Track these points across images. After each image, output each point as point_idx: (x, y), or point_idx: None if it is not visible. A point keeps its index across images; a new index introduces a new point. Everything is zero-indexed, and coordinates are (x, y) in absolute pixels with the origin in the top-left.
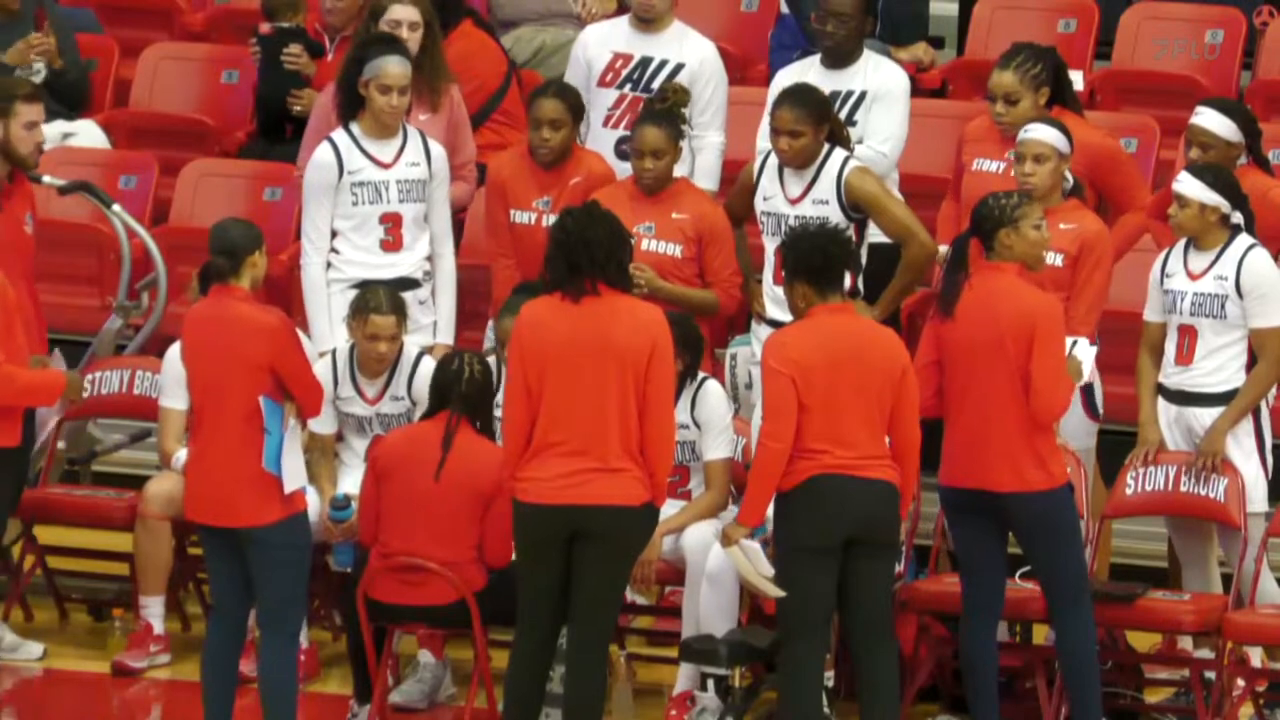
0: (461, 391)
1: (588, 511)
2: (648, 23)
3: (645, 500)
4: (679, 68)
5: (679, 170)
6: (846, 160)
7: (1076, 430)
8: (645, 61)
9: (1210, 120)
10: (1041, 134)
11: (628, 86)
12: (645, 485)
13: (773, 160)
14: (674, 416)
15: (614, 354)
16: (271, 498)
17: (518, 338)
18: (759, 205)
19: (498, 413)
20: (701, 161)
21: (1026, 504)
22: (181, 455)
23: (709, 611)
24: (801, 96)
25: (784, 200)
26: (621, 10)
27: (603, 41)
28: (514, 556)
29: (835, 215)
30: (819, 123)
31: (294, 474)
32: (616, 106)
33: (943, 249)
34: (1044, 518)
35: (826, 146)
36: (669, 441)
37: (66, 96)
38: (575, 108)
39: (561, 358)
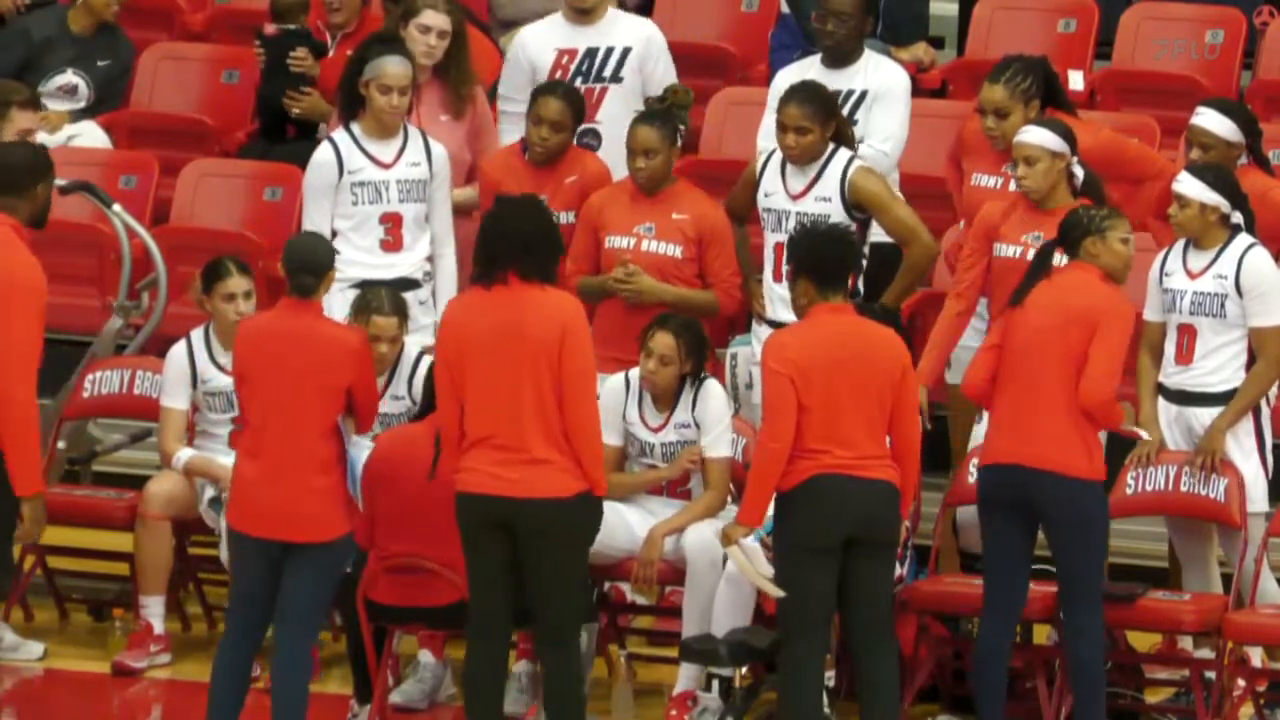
0: None
1: (517, 505)
2: (586, 14)
3: (578, 491)
4: (626, 51)
5: None
6: (851, 159)
7: None
8: (591, 52)
9: (1210, 121)
10: (1030, 136)
11: (579, 80)
12: (576, 475)
13: (775, 158)
14: (596, 404)
15: (525, 344)
16: (341, 512)
17: (440, 333)
18: (761, 202)
19: None
20: None
21: (1063, 487)
22: (182, 455)
23: (723, 611)
24: (809, 93)
25: (785, 196)
26: (629, 8)
27: (542, 41)
28: None
29: (837, 213)
30: (826, 120)
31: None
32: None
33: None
34: (1078, 507)
35: (831, 145)
36: (592, 428)
37: (99, 111)
38: (578, 113)
39: (477, 350)
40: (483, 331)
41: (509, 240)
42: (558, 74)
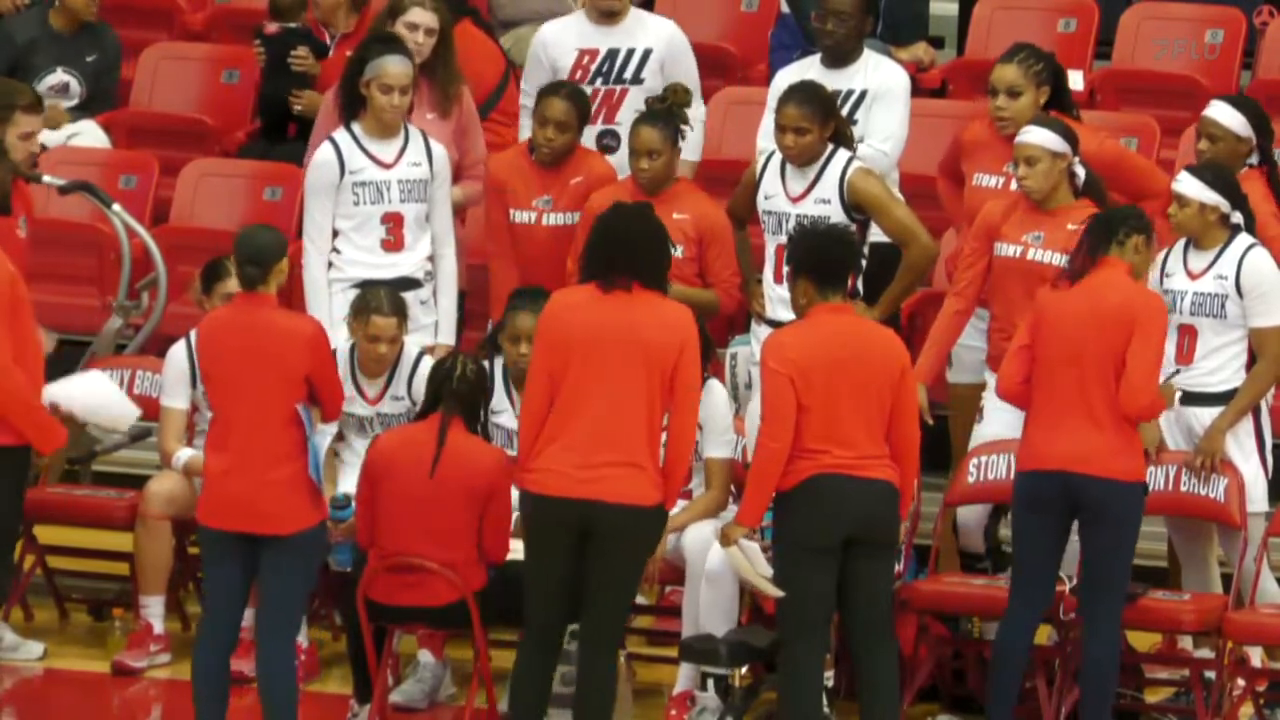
0: (453, 390)
1: (600, 508)
2: (611, 15)
3: (658, 501)
4: (648, 53)
5: None
6: (850, 161)
7: None
8: (612, 53)
9: (1220, 112)
10: (1031, 137)
11: (599, 81)
12: (659, 486)
13: (775, 160)
14: (696, 419)
15: (641, 348)
16: (307, 503)
17: (545, 323)
18: (760, 204)
19: (495, 419)
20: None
21: (1111, 491)
22: (182, 455)
23: (707, 611)
24: (807, 94)
25: (785, 199)
26: None
27: (563, 40)
28: (509, 554)
29: (837, 215)
30: (824, 120)
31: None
32: (591, 102)
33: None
34: (1121, 509)
35: (830, 146)
36: (690, 444)
37: (95, 111)
38: (584, 113)
39: (588, 346)
40: (598, 331)
41: (634, 249)
42: (578, 74)
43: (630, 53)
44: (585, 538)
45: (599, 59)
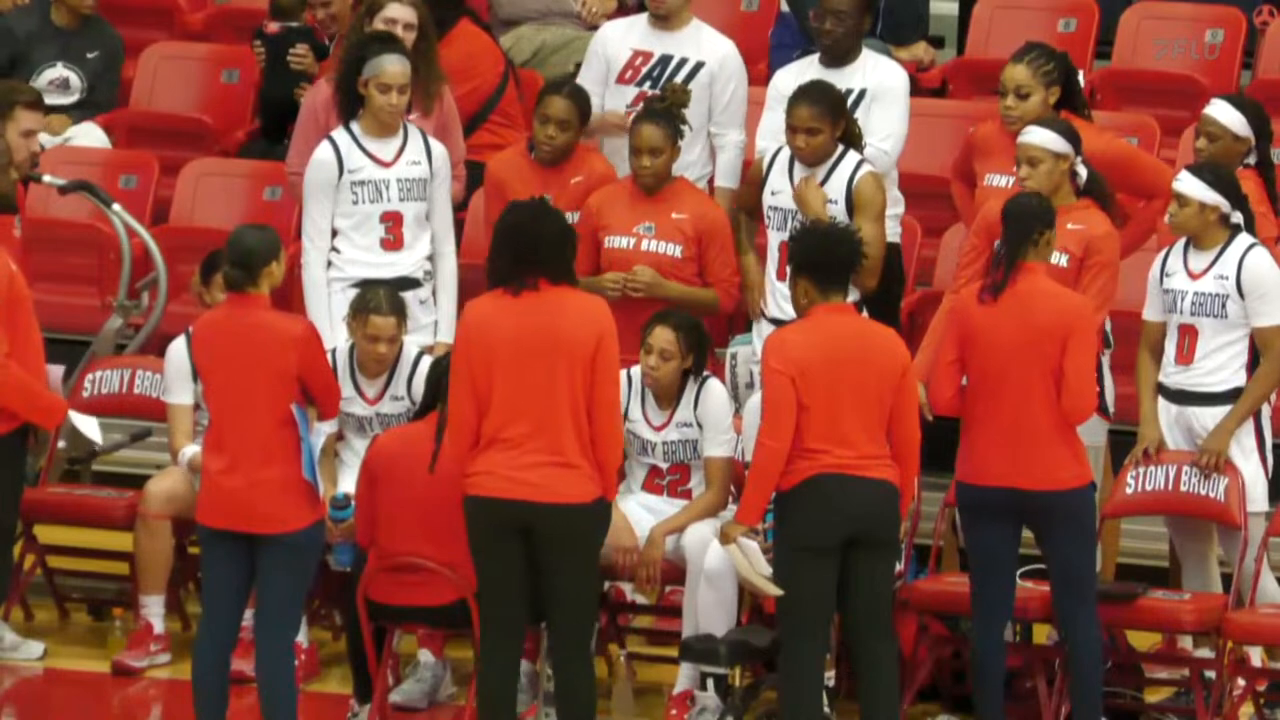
0: (446, 388)
1: (540, 509)
2: (663, 19)
3: (596, 496)
4: (699, 66)
5: (702, 168)
6: (860, 164)
7: (1090, 428)
8: (665, 59)
9: (1220, 111)
10: (1034, 137)
11: (647, 84)
12: (596, 481)
13: (783, 155)
14: (620, 409)
15: (563, 348)
16: (303, 503)
17: (463, 334)
18: (766, 200)
19: None
20: (723, 160)
21: (1061, 501)
22: (188, 451)
23: (707, 610)
24: (818, 94)
25: (791, 195)
26: (630, 9)
27: (622, 39)
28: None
29: (843, 215)
30: (835, 120)
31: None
32: (635, 104)
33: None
34: (1076, 515)
35: (841, 147)
36: (618, 434)
37: (94, 106)
38: (585, 112)
39: (509, 353)
40: (516, 335)
41: (538, 245)
42: (628, 74)
43: (683, 62)
44: (527, 535)
45: (651, 62)
